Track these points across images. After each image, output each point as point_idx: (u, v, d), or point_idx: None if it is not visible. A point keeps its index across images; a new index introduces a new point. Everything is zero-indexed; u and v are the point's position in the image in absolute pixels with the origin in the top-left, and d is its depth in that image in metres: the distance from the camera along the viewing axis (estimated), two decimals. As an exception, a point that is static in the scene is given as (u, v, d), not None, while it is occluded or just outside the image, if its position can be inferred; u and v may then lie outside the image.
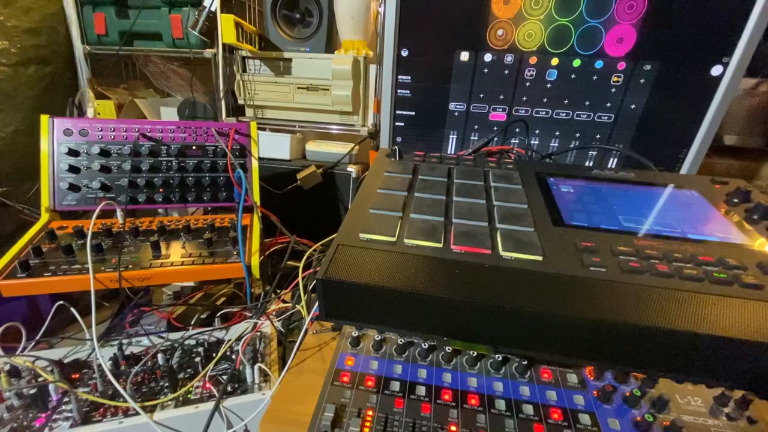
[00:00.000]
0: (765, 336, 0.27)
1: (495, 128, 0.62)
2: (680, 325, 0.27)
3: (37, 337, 0.62)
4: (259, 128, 1.09)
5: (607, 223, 0.37)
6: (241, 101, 1.18)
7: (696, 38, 0.55)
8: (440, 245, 0.34)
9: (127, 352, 0.60)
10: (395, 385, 0.43)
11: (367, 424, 0.39)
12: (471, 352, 0.46)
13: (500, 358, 0.45)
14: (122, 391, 0.51)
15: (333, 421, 0.39)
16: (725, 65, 0.55)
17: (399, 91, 0.63)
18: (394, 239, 0.35)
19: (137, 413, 0.50)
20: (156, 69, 1.36)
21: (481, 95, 0.61)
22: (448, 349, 0.47)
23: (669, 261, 0.32)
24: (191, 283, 0.91)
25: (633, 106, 0.59)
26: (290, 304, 0.66)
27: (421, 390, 0.43)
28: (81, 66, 1.28)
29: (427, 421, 0.39)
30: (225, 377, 0.56)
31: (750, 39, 0.54)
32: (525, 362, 0.45)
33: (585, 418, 0.41)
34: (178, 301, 0.85)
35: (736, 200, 0.42)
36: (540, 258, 0.32)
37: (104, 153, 0.71)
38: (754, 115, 1.09)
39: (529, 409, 0.41)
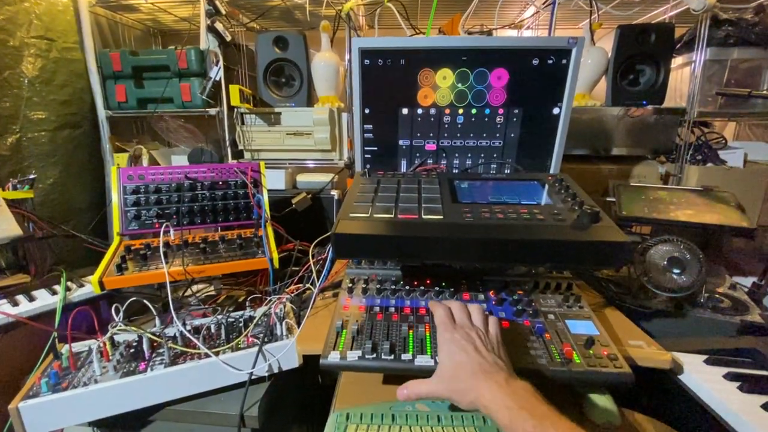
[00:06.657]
0: (540, 236, 0.59)
1: (429, 154, 0.95)
2: (502, 236, 0.59)
3: (119, 320, 0.86)
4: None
5: (480, 200, 0.70)
6: (240, 147, 1.48)
7: (541, 92, 0.91)
8: (392, 216, 0.65)
9: (187, 328, 0.85)
10: (376, 309, 0.72)
11: (361, 326, 0.67)
12: (420, 287, 0.76)
13: (437, 289, 0.76)
14: (197, 342, 0.76)
15: (341, 326, 0.67)
16: (560, 107, 0.91)
17: (365, 134, 0.96)
18: (368, 215, 0.66)
19: (208, 357, 0.75)
20: (165, 125, 1.64)
21: (418, 134, 0.95)
22: (408, 287, 0.77)
23: (504, 213, 0.64)
24: (212, 291, 1.16)
25: (513, 135, 0.94)
26: (301, 285, 0.93)
27: (392, 309, 0.72)
28: (103, 127, 1.55)
29: (396, 323, 0.68)
30: (261, 335, 0.82)
31: (570, 89, 0.90)
32: (452, 290, 0.75)
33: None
34: (206, 304, 1.11)
35: (556, 185, 0.76)
36: (441, 217, 0.64)
37: (157, 190, 0.99)
38: (629, 132, 1.51)
39: (454, 312, 0.71)
